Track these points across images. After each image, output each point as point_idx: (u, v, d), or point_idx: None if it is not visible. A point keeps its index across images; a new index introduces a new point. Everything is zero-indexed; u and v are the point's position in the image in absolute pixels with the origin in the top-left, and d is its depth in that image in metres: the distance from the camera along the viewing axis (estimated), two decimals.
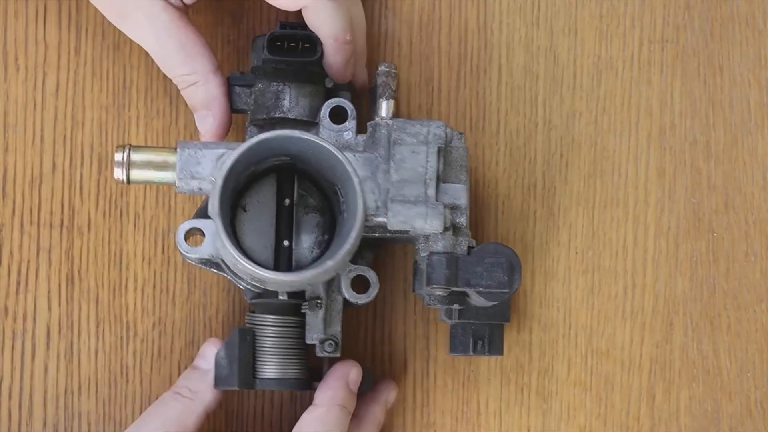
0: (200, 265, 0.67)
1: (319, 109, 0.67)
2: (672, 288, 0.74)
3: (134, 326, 0.72)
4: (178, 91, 0.71)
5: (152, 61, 0.70)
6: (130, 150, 0.65)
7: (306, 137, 0.63)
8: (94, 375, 0.71)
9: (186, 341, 0.72)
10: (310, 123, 0.68)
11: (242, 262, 0.61)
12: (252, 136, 0.66)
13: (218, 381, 0.67)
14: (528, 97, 0.74)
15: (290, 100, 0.67)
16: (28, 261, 0.72)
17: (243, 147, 0.62)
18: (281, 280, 0.63)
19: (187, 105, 0.71)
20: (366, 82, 0.72)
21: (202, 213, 0.67)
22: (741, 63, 0.75)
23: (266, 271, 0.62)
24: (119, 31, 0.72)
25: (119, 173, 0.65)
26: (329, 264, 0.62)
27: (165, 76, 0.72)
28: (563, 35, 0.75)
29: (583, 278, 0.74)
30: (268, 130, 0.65)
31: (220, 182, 0.62)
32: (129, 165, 0.65)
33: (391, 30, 0.74)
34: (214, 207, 0.62)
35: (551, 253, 0.74)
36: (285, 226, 0.68)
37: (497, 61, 0.74)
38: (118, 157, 0.65)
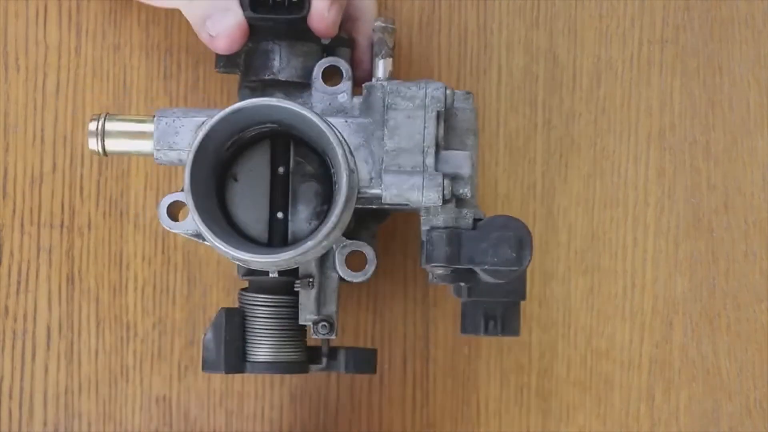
0: (192, 238, 0.62)
1: (313, 69, 0.63)
2: (672, 288, 0.74)
3: (134, 326, 0.72)
4: (178, 91, 0.71)
5: (152, 61, 0.70)
6: (105, 119, 0.62)
7: (284, 105, 0.58)
8: (94, 375, 0.72)
9: (186, 341, 0.72)
10: (303, 84, 0.63)
11: (212, 240, 0.58)
12: (243, 100, 0.62)
13: (205, 365, 0.63)
14: (528, 98, 0.74)
15: (281, 60, 0.63)
16: (29, 261, 0.72)
17: (215, 119, 0.58)
18: (256, 261, 0.59)
19: (184, 105, 0.71)
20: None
21: None
22: (741, 63, 0.75)
23: (236, 250, 0.58)
24: (119, 32, 0.72)
25: (94, 144, 0.62)
26: (309, 244, 0.58)
27: (165, 77, 0.72)
28: (563, 36, 0.75)
29: (583, 278, 0.74)
30: (260, 93, 0.62)
31: (191, 157, 0.58)
32: (104, 135, 0.61)
33: None
34: (186, 182, 0.58)
35: (551, 253, 0.74)
36: (280, 196, 0.62)
37: (497, 62, 0.74)
38: (92, 126, 0.62)
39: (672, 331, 0.74)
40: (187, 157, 0.58)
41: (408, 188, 0.60)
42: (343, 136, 0.60)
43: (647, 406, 0.73)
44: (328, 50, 0.64)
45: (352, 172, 0.59)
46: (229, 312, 0.63)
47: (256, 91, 0.64)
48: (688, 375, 0.73)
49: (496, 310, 0.64)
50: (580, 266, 0.74)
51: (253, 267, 0.61)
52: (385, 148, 0.60)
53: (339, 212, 0.58)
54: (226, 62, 0.65)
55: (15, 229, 0.72)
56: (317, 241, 0.58)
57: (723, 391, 0.73)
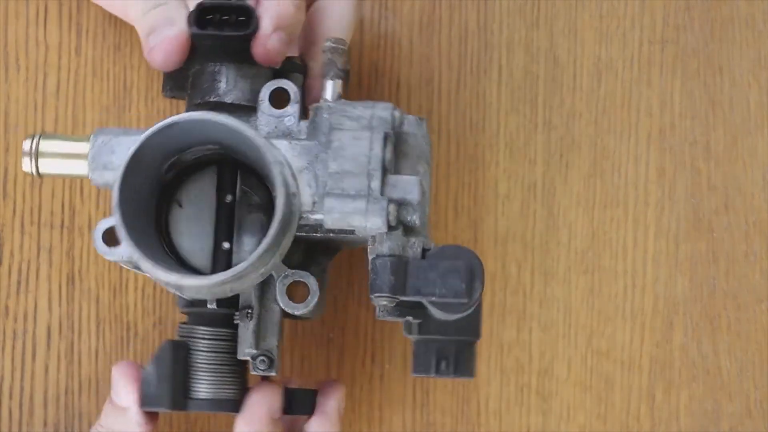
0: (126, 266, 0.60)
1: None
2: (672, 288, 0.74)
3: (135, 326, 0.72)
4: None
5: None
6: (40, 138, 0.60)
7: (219, 120, 0.56)
8: (94, 375, 0.72)
9: None
10: (250, 108, 0.60)
11: (139, 259, 0.55)
12: None
13: (146, 400, 0.61)
14: (528, 98, 0.74)
15: (227, 82, 0.60)
16: (29, 261, 0.72)
17: (146, 133, 0.55)
18: (186, 284, 0.56)
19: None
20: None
21: None
22: (741, 63, 0.75)
23: (166, 272, 0.55)
24: (120, 32, 0.72)
25: (27, 165, 0.60)
26: (242, 266, 0.55)
27: None
28: (563, 36, 0.75)
29: (583, 278, 0.74)
30: None
31: (120, 172, 0.55)
32: (37, 155, 0.59)
33: (391, 30, 0.74)
34: (114, 200, 0.55)
35: (551, 253, 0.74)
36: (225, 225, 0.60)
37: (497, 62, 0.74)
38: (26, 146, 0.60)
39: (672, 331, 0.74)
40: (116, 173, 0.55)
41: (350, 212, 0.56)
42: (285, 158, 0.58)
43: (648, 406, 0.73)
44: (280, 75, 0.62)
45: (293, 195, 0.57)
46: (174, 345, 0.61)
47: None
48: (689, 375, 0.73)
49: (450, 349, 0.59)
50: (580, 266, 0.74)
51: (186, 294, 0.59)
52: (329, 171, 0.57)
53: (274, 233, 0.55)
54: (173, 86, 0.63)
55: (15, 229, 0.72)
56: (250, 262, 0.55)
57: (723, 391, 0.73)
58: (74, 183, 0.72)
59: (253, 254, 0.56)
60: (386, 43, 0.74)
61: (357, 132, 0.58)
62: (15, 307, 0.71)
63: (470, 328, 0.59)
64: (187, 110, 0.62)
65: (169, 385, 0.60)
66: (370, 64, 0.73)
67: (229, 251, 0.60)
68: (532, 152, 0.74)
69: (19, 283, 0.72)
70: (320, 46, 0.64)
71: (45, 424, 0.71)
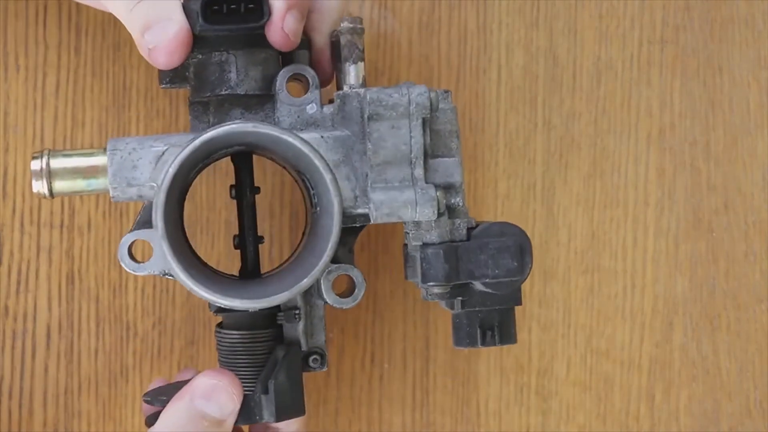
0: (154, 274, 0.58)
1: (273, 79, 0.57)
2: (672, 288, 0.74)
3: (134, 326, 0.72)
4: (177, 91, 0.71)
5: None
6: (49, 156, 0.56)
7: (264, 131, 0.54)
8: (94, 375, 0.71)
9: (186, 341, 0.72)
10: (263, 96, 0.57)
11: (199, 291, 0.54)
12: (196, 117, 0.57)
13: (280, 412, 0.57)
14: (528, 98, 0.74)
15: (237, 72, 0.56)
16: (29, 261, 0.72)
17: (186, 151, 0.54)
18: (246, 307, 0.55)
19: (187, 106, 0.71)
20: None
21: (146, 220, 0.56)
22: (741, 63, 0.75)
23: (226, 299, 0.54)
24: (120, 32, 0.72)
25: (39, 186, 0.56)
26: (304, 282, 0.54)
27: None
28: (563, 36, 0.75)
29: (583, 278, 0.74)
30: (215, 108, 0.57)
31: (162, 197, 0.53)
32: (50, 175, 0.56)
33: (391, 30, 0.74)
34: (158, 226, 0.53)
35: (551, 253, 0.74)
36: (249, 222, 0.59)
37: (497, 62, 0.74)
38: (35, 165, 0.56)
39: (672, 331, 0.74)
40: (157, 197, 0.53)
41: (400, 205, 0.55)
42: (322, 155, 0.56)
43: (647, 406, 0.73)
44: (284, 54, 0.59)
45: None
46: (291, 347, 0.59)
47: (209, 107, 0.59)
48: (688, 375, 0.73)
49: (494, 319, 0.58)
50: (580, 266, 0.74)
51: (236, 307, 0.56)
52: (369, 163, 0.56)
53: (335, 241, 0.54)
54: (172, 77, 0.59)
55: (15, 229, 0.72)
56: (313, 277, 0.54)
57: (723, 391, 0.73)
58: None
59: (317, 267, 0.54)
60: (386, 43, 0.74)
61: (395, 121, 0.56)
62: (15, 306, 0.71)
63: (512, 295, 0.58)
64: (192, 102, 0.59)
65: (302, 390, 0.58)
66: (370, 64, 0.73)
67: (257, 248, 0.59)
68: (531, 152, 0.74)
69: (18, 282, 0.72)
70: (321, 14, 0.60)
71: (45, 424, 0.71)
